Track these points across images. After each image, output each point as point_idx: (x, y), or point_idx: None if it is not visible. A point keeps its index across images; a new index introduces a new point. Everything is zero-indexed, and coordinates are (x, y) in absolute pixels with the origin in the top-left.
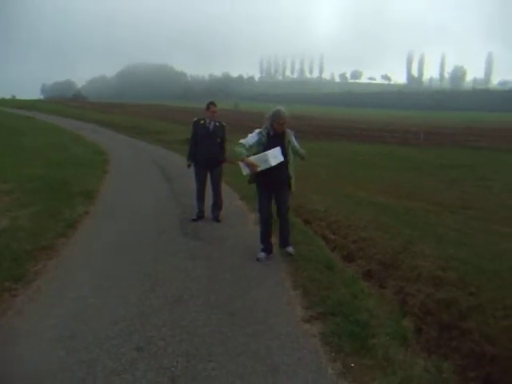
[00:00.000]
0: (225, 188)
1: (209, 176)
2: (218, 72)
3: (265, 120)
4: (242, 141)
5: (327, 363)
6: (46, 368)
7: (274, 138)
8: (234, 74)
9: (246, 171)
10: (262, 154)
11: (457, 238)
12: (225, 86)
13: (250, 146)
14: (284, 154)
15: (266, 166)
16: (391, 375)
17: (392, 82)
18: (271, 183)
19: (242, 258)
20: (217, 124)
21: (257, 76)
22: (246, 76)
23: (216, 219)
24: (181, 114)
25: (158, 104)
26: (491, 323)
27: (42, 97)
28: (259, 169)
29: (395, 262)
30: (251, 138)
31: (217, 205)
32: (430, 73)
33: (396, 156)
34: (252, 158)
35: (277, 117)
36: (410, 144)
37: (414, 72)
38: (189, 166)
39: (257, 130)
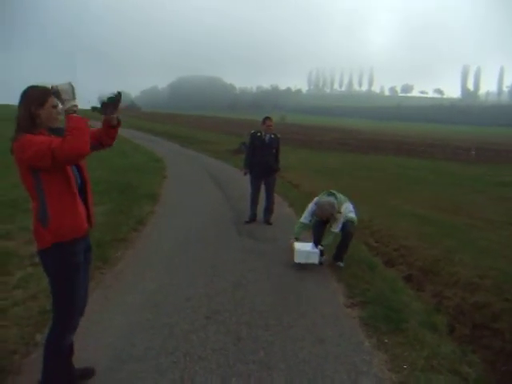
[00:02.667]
0: (275, 196)
1: (263, 183)
2: (266, 84)
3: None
4: (302, 220)
5: (364, 338)
6: (137, 326)
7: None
8: (282, 86)
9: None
10: (300, 250)
11: (498, 251)
12: (272, 99)
13: (308, 224)
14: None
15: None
16: (419, 350)
17: (445, 96)
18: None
19: (291, 255)
20: (272, 136)
21: (305, 89)
22: (293, 89)
23: (267, 222)
24: (229, 125)
25: (208, 115)
26: None
27: None
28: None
29: (434, 268)
30: (307, 216)
31: (269, 209)
32: (487, 87)
33: (443, 171)
34: (297, 247)
35: (324, 212)
36: (459, 160)
37: (470, 86)
38: (245, 173)
39: (311, 207)
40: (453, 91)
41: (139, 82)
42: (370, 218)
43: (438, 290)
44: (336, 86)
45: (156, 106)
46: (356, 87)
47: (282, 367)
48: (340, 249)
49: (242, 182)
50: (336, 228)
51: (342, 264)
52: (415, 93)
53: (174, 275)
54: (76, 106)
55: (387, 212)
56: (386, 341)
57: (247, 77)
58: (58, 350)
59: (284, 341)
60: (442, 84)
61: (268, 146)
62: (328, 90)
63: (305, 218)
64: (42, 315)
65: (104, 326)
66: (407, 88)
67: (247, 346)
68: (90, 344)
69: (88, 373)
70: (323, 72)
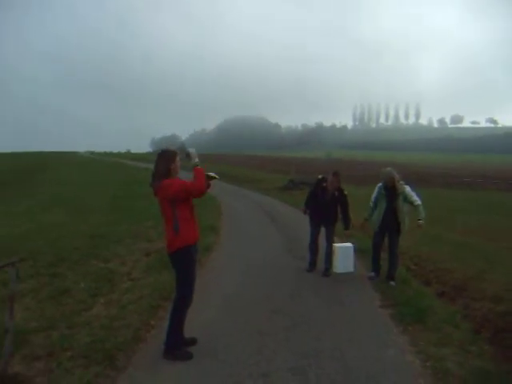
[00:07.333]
0: None
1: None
2: (311, 122)
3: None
4: (372, 201)
5: (393, 327)
6: (220, 316)
7: (387, 190)
8: (327, 123)
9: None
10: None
11: None
12: (318, 136)
13: (374, 203)
14: (392, 203)
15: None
16: (435, 333)
17: (499, 126)
18: (386, 225)
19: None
20: (336, 193)
21: (350, 124)
22: (338, 125)
23: (326, 273)
24: (276, 163)
25: (255, 155)
26: None
27: (150, 150)
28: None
29: (466, 285)
30: (374, 195)
31: (329, 254)
32: None
33: (491, 202)
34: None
35: (385, 177)
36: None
37: None
38: (304, 212)
39: (377, 188)
40: (508, 120)
41: (191, 125)
42: (410, 245)
43: (467, 303)
44: (382, 120)
45: (205, 147)
46: (402, 121)
47: (329, 342)
48: (391, 269)
49: (292, 214)
50: (415, 200)
51: (393, 283)
52: (466, 123)
53: (242, 285)
54: (198, 161)
55: (428, 240)
56: (410, 328)
57: (292, 115)
58: (179, 319)
59: (330, 326)
60: (495, 113)
61: (332, 202)
62: (374, 125)
63: (373, 197)
64: (151, 309)
65: (196, 317)
66: (457, 119)
67: (304, 327)
68: (189, 328)
69: (193, 341)
70: (368, 106)
